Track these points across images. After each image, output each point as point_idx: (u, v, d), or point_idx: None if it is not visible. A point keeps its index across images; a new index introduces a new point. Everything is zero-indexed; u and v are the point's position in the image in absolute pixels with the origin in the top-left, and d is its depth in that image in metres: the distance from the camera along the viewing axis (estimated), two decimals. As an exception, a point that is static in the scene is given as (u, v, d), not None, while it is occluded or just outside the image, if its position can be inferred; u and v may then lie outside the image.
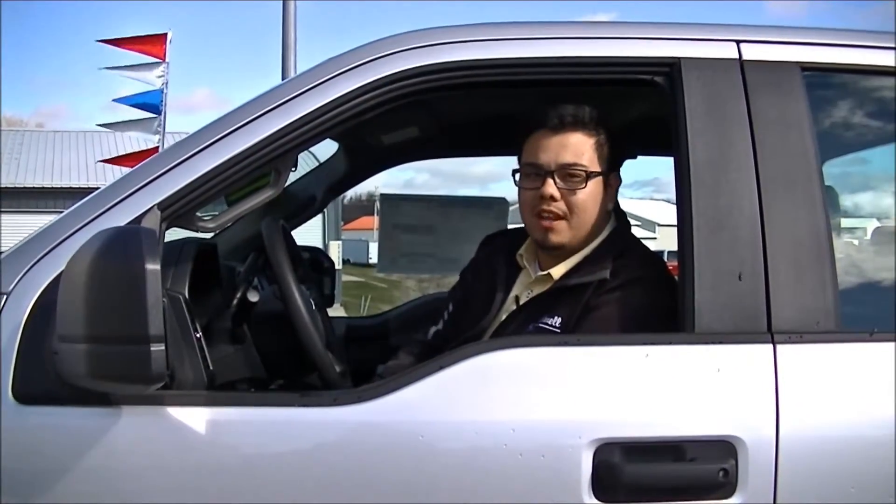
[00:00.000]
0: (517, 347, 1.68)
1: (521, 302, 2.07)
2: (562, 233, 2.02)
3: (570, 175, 2.00)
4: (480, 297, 2.15)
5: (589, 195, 2.01)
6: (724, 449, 1.62)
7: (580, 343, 1.70)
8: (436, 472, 1.57)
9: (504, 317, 2.08)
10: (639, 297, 1.91)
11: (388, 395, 1.58)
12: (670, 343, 1.69)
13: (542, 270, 2.08)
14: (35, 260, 1.63)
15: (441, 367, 1.59)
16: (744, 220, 1.74)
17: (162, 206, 1.64)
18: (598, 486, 1.58)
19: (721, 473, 1.60)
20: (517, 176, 2.09)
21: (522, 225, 2.11)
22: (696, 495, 1.61)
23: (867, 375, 1.71)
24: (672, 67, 1.81)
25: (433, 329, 2.27)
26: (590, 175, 2.00)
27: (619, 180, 2.11)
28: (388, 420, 1.58)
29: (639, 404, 1.64)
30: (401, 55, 1.77)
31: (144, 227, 1.52)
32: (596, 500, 1.57)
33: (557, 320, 1.95)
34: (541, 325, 1.97)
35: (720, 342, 1.68)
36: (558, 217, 2.01)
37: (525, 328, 1.99)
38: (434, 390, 1.59)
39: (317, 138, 1.76)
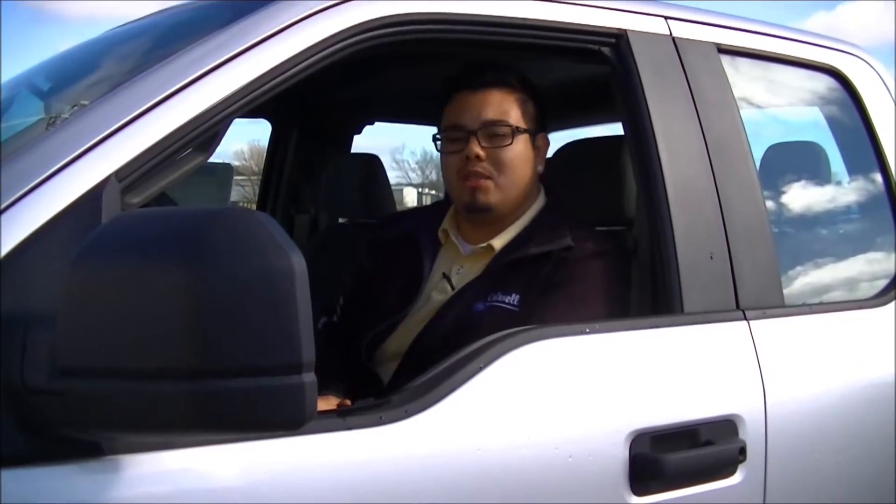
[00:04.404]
0: (545, 339, 1.56)
1: (453, 279, 1.92)
2: (490, 192, 1.89)
3: (495, 133, 1.90)
4: (397, 280, 1.98)
5: (516, 153, 1.90)
6: (731, 428, 1.66)
7: (594, 331, 1.61)
8: (496, 484, 1.44)
9: (436, 296, 1.91)
10: (612, 269, 1.86)
11: (436, 406, 1.40)
12: (670, 325, 1.70)
13: (470, 244, 1.96)
14: None
15: (481, 368, 1.45)
16: (707, 200, 1.78)
17: (120, 175, 1.26)
18: (634, 478, 1.53)
19: (739, 452, 1.64)
20: (439, 143, 1.97)
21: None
22: (715, 476, 1.64)
23: (819, 345, 1.88)
24: (619, 39, 1.80)
25: (323, 319, 2.04)
26: (515, 132, 1.90)
27: (548, 142, 2.02)
28: (443, 434, 1.41)
29: (657, 390, 1.63)
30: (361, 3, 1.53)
31: (259, 212, 1.09)
32: (632, 494, 1.53)
33: (515, 298, 1.80)
34: (494, 303, 1.81)
35: (706, 322, 1.72)
36: (485, 177, 1.89)
37: (473, 306, 1.83)
38: (479, 394, 1.45)
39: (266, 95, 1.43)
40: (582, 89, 2.46)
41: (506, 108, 1.92)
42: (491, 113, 1.90)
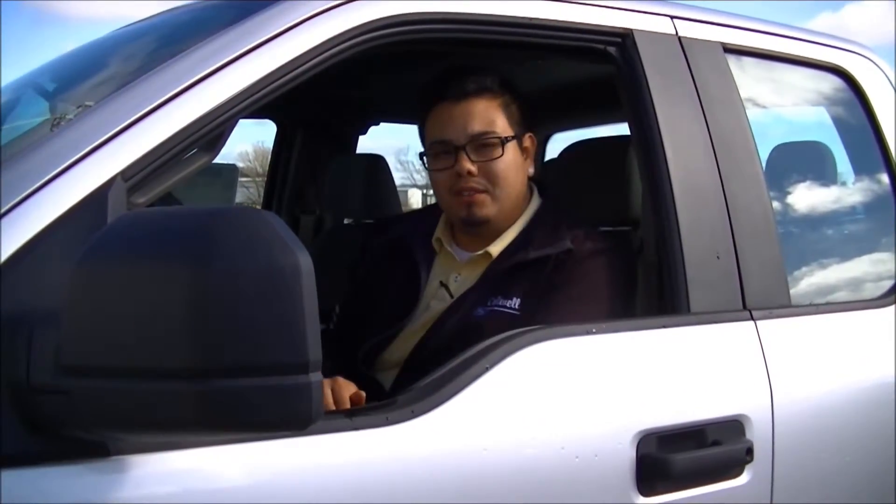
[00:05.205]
0: (551, 339, 1.55)
1: (451, 287, 1.90)
2: (486, 205, 1.85)
3: (484, 145, 1.85)
4: (393, 289, 1.96)
5: (508, 163, 1.86)
6: (738, 428, 1.65)
7: (600, 331, 1.61)
8: (502, 484, 1.43)
9: (436, 305, 1.89)
10: (612, 268, 1.84)
11: (442, 406, 1.40)
12: (676, 325, 1.69)
13: (466, 252, 1.92)
14: None
15: (487, 369, 1.45)
16: (713, 199, 1.78)
17: (126, 175, 1.26)
18: (641, 478, 1.53)
19: (746, 452, 1.63)
20: (425, 159, 1.92)
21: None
22: (722, 477, 1.63)
23: (825, 345, 1.87)
24: (625, 38, 1.80)
25: (321, 327, 2.00)
26: (505, 141, 1.85)
27: (535, 141, 1.99)
28: (449, 434, 1.40)
29: (664, 390, 1.62)
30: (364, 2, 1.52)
31: (266, 211, 1.10)
32: (639, 493, 1.53)
33: (516, 302, 1.78)
34: (495, 308, 1.79)
35: (713, 322, 1.72)
36: (479, 192, 1.85)
37: (473, 312, 1.81)
38: (485, 395, 1.44)
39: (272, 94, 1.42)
40: (588, 89, 2.46)
41: (491, 117, 1.87)
42: (477, 125, 1.85)
